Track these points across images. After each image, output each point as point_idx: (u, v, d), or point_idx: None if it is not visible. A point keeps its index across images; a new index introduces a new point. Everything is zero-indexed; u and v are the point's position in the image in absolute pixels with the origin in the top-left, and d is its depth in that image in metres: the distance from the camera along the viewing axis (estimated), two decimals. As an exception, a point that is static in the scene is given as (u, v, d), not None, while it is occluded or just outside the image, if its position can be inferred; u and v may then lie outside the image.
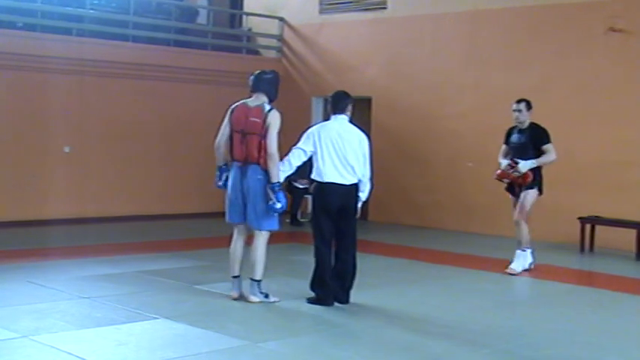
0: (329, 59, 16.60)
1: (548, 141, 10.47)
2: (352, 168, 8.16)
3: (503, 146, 10.78)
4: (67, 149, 14.47)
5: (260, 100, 8.17)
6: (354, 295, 8.37)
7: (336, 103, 8.38)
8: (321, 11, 16.89)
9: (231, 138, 8.16)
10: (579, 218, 12.66)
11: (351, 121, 8.41)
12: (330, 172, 8.14)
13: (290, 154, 8.29)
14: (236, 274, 8.36)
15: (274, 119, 8.05)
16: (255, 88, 8.23)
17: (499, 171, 10.67)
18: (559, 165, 13.46)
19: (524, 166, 10.37)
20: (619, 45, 12.96)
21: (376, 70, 15.93)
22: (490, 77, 14.36)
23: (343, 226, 8.26)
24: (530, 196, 10.47)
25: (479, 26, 14.67)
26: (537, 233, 13.42)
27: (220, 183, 8.36)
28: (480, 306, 8.80)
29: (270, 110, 8.08)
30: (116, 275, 9.56)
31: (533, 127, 10.55)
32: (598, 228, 12.61)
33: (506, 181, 10.68)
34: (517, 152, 10.54)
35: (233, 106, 8.28)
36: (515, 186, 10.64)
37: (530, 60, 13.98)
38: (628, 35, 12.86)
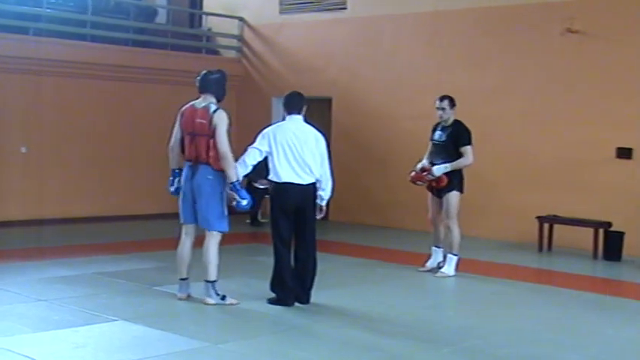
0: (289, 59, 16.59)
1: (468, 143, 10.26)
2: (309, 167, 8.17)
3: (429, 144, 10.64)
4: (23, 149, 14.31)
5: (207, 100, 8.12)
6: (315, 296, 8.38)
7: (291, 104, 8.38)
8: (281, 11, 16.87)
9: (182, 140, 8.15)
10: (537, 217, 12.76)
11: (306, 121, 8.42)
12: (286, 172, 8.15)
13: (245, 154, 8.29)
14: (184, 277, 8.30)
15: (220, 119, 7.99)
16: (203, 89, 8.17)
17: (413, 173, 10.53)
18: (518, 164, 13.66)
19: (438, 170, 10.23)
20: (576, 46, 13.09)
21: (336, 71, 15.94)
22: (450, 77, 14.41)
23: (302, 226, 8.27)
24: (452, 199, 10.28)
25: (439, 27, 14.73)
26: (495, 232, 13.61)
27: (172, 189, 8.31)
28: (439, 305, 8.86)
29: (215, 111, 8.02)
30: (74, 277, 9.47)
31: (457, 125, 10.36)
32: (556, 227, 12.72)
33: (419, 183, 10.56)
34: (438, 150, 10.41)
35: (182, 108, 8.24)
36: (433, 188, 10.50)
37: (489, 61, 14.07)
38: (584, 36, 12.99)
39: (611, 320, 8.44)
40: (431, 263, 10.63)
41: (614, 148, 12.75)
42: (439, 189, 10.35)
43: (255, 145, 8.29)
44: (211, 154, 7.97)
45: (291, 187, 8.15)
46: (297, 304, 8.26)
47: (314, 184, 8.24)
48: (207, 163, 8.00)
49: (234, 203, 8.08)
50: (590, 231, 12.24)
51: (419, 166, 10.53)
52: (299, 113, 8.35)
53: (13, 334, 6.94)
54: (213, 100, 8.13)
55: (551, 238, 12.72)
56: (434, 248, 10.67)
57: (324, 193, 8.31)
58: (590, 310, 8.94)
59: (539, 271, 11.69)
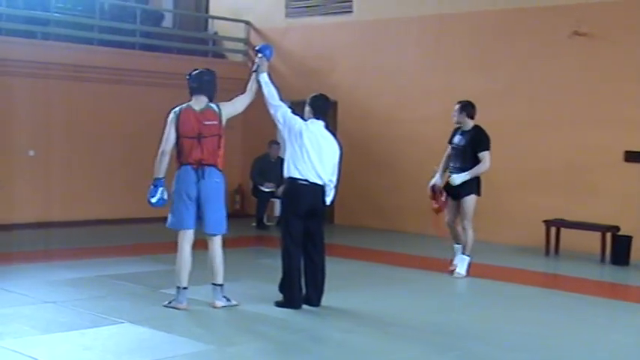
0: (295, 63, 16.60)
1: (486, 148, 10.38)
2: (325, 172, 8.19)
3: (448, 147, 10.75)
4: (31, 153, 14.34)
5: (202, 101, 8.09)
6: (322, 298, 8.36)
7: (320, 107, 8.39)
8: (287, 15, 16.89)
9: (177, 143, 8.01)
10: (545, 221, 12.74)
11: (327, 128, 8.42)
12: (307, 170, 8.11)
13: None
14: (185, 286, 8.08)
15: (224, 105, 8.17)
16: (199, 91, 8.13)
17: (436, 205, 10.65)
18: (525, 167, 13.64)
19: (458, 178, 10.32)
20: (583, 48, 13.07)
21: (342, 74, 15.94)
22: (456, 81, 14.41)
23: (313, 227, 8.26)
24: (469, 202, 10.39)
25: (444, 30, 14.73)
26: (503, 236, 13.57)
27: (154, 200, 8.07)
28: (445, 308, 8.84)
29: (218, 107, 8.10)
30: (81, 280, 9.48)
31: (476, 130, 10.49)
32: (563, 231, 12.69)
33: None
34: (456, 154, 10.53)
35: (176, 111, 8.07)
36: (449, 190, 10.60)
37: (495, 64, 14.06)
38: (592, 39, 12.97)
39: (618, 325, 8.43)
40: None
41: (622, 152, 12.72)
42: (456, 192, 10.45)
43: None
44: (219, 153, 7.97)
45: (307, 186, 8.12)
46: (305, 306, 8.25)
47: (323, 187, 8.25)
48: (214, 165, 7.98)
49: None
50: (598, 235, 12.21)
51: (432, 182, 10.59)
52: (324, 118, 8.38)
53: (20, 336, 6.95)
54: (207, 100, 8.11)
55: (559, 242, 12.69)
56: (456, 246, 10.74)
57: (327, 199, 8.35)
58: (598, 314, 8.91)
59: (547, 275, 11.68)
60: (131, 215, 15.10)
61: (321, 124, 8.34)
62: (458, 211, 10.54)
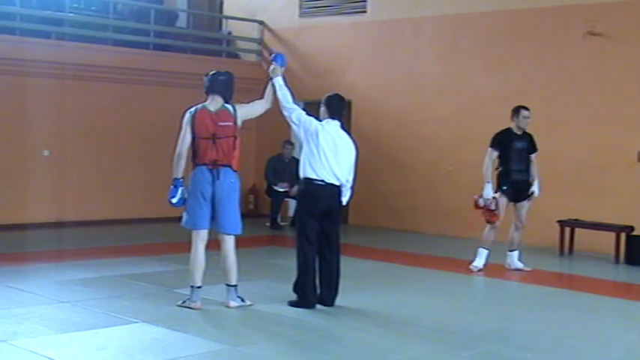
0: (309, 63, 16.60)
1: (537, 149, 11.11)
2: (342, 172, 8.17)
3: (494, 153, 10.85)
4: (46, 153, 14.40)
5: (218, 102, 8.07)
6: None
7: (335, 107, 8.37)
8: (301, 15, 16.90)
9: (193, 144, 8.02)
10: (559, 221, 12.71)
11: (342, 127, 8.40)
12: (324, 170, 8.09)
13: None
14: (199, 285, 8.10)
15: (240, 107, 8.14)
16: (212, 90, 8.11)
17: (493, 217, 10.81)
18: (539, 168, 13.57)
19: (537, 187, 11.06)
20: (597, 48, 13.04)
21: (356, 74, 15.94)
22: (470, 81, 14.41)
23: (329, 228, 8.24)
24: (530, 204, 11.12)
25: (459, 30, 14.71)
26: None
27: (175, 200, 8.12)
28: (459, 308, 8.81)
29: (233, 108, 8.07)
30: (95, 279, 9.51)
31: (529, 134, 11.06)
32: (577, 231, 12.67)
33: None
34: (520, 157, 10.92)
35: (191, 111, 8.08)
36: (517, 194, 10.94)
37: (509, 64, 14.04)
38: (606, 39, 12.94)
39: (633, 325, 8.39)
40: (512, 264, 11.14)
41: (636, 152, 12.68)
42: (522, 194, 10.97)
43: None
44: (235, 154, 7.97)
45: (324, 187, 8.10)
46: (319, 306, 8.25)
47: (339, 187, 8.23)
48: (230, 165, 7.99)
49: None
50: (612, 235, 12.17)
51: (486, 195, 10.69)
52: (340, 118, 8.37)
53: (35, 336, 6.97)
54: (222, 101, 8.10)
55: (573, 242, 12.67)
56: (509, 253, 11.14)
57: (344, 199, 8.34)
58: (612, 314, 8.89)
59: (561, 275, 11.64)
60: (145, 215, 15.16)
61: (336, 123, 8.33)
62: (520, 212, 11.03)
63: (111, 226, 14.43)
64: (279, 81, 8.27)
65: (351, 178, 8.32)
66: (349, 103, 15.89)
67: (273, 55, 8.60)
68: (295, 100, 8.42)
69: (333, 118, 8.32)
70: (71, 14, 15.20)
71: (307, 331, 7.55)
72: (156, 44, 16.27)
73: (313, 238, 8.20)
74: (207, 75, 8.22)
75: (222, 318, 7.90)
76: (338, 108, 8.39)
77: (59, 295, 8.54)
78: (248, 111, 8.24)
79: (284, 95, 8.26)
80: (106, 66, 14.92)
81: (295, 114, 8.26)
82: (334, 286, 8.33)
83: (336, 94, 8.49)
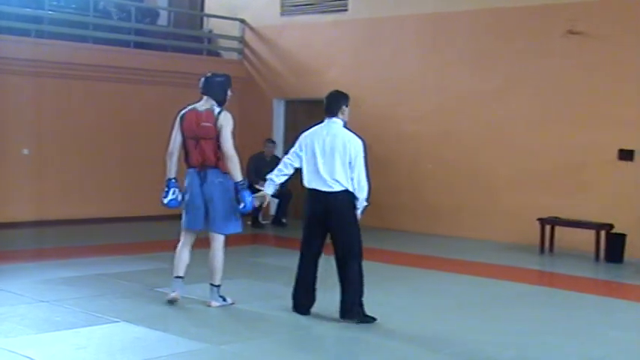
0: (290, 61, 16.58)
1: None
2: (336, 175, 7.80)
3: None
4: (25, 151, 14.31)
5: (209, 103, 8.04)
6: (318, 297, 8.15)
7: (328, 106, 7.98)
8: (283, 13, 16.87)
9: (184, 145, 8.04)
10: (539, 219, 12.75)
11: (344, 126, 8.02)
12: (311, 178, 7.86)
13: (281, 163, 8.10)
14: (181, 275, 8.16)
15: (226, 120, 7.95)
16: (205, 91, 8.09)
17: None
18: (519, 166, 13.65)
19: None
20: (578, 47, 13.08)
21: (338, 72, 15.91)
22: (451, 79, 14.43)
23: (334, 235, 7.97)
24: None
25: (440, 29, 14.73)
26: (497, 234, 13.59)
27: (167, 200, 8.09)
28: (441, 307, 8.82)
29: (220, 112, 7.98)
30: (76, 278, 9.46)
31: None
32: (557, 229, 12.71)
33: None
34: None
35: (183, 112, 8.11)
36: None
37: (490, 63, 14.06)
38: (586, 38, 12.98)
39: (613, 322, 8.42)
40: None
41: (615, 150, 12.73)
42: None
43: (288, 154, 8.06)
44: (219, 156, 7.93)
45: (315, 194, 7.86)
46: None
47: (346, 191, 7.86)
48: (216, 167, 7.96)
49: (241, 206, 7.99)
50: (592, 233, 12.23)
51: None
52: (337, 116, 7.95)
53: (15, 336, 6.93)
54: (214, 102, 8.07)
55: (553, 239, 12.71)
56: None
57: (358, 202, 7.99)
58: (593, 312, 8.93)
59: (541, 273, 11.68)
60: (126, 214, 15.10)
61: (335, 122, 7.94)
62: None
63: (91, 225, 14.35)
64: (270, 189, 8.11)
65: (358, 178, 7.89)
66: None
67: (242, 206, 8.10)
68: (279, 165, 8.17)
69: (331, 117, 7.96)
70: (50, 12, 15.11)
71: (289, 331, 7.55)
72: (136, 42, 16.21)
73: (309, 243, 8.01)
74: (204, 75, 8.19)
75: (203, 317, 7.88)
76: (330, 106, 7.96)
77: (39, 295, 8.49)
78: (224, 131, 7.92)
79: (284, 176, 8.09)
80: (85, 64, 14.84)
81: (292, 155, 8.00)
82: (344, 295, 7.90)
83: (331, 91, 8.14)
